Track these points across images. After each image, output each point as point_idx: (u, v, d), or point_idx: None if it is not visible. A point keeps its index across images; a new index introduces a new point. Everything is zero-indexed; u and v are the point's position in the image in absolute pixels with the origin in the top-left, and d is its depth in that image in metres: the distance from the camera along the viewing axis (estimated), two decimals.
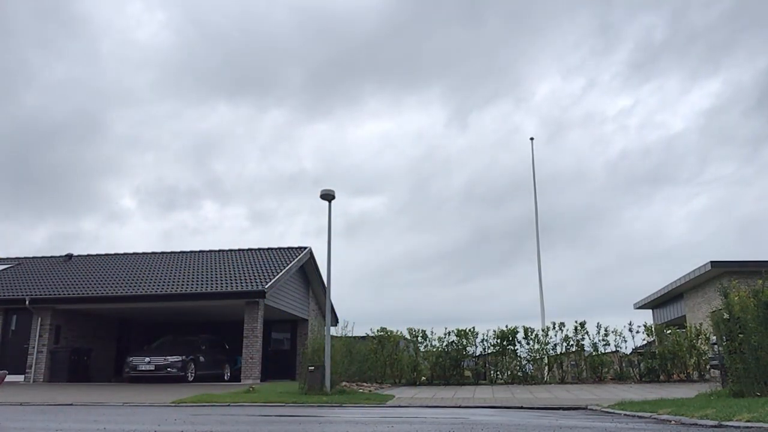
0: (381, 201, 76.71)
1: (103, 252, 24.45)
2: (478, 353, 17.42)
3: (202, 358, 18.59)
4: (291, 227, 72.51)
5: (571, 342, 16.83)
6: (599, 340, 16.67)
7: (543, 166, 58.70)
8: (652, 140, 63.52)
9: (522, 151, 64.41)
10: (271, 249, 23.23)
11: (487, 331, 17.27)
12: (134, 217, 71.53)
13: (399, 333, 17.64)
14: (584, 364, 16.64)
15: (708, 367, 14.83)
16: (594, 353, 16.56)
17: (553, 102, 66.18)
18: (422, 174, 71.97)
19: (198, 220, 72.28)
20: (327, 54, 66.79)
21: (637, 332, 16.87)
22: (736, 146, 63.28)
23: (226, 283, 18.87)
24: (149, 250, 24.34)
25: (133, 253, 24.04)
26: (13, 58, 56.07)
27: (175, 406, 9.11)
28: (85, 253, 24.45)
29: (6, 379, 15.95)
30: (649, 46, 64.49)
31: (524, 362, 17.05)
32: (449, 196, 71.17)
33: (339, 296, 47.36)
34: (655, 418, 5.59)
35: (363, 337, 17.25)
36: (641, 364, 16.45)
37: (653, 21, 66.74)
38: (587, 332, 16.80)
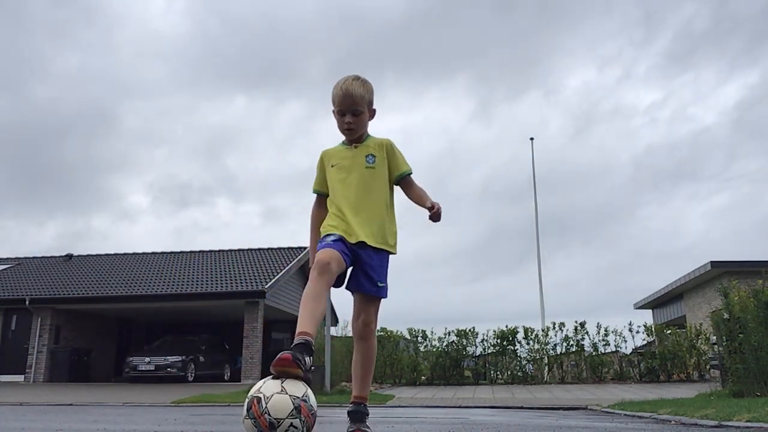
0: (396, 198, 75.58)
1: (110, 251, 24.59)
2: (478, 353, 17.45)
3: (202, 358, 18.60)
4: (303, 225, 71.31)
5: (571, 342, 16.86)
6: (599, 340, 16.72)
7: (566, 162, 55.96)
8: (681, 135, 60.13)
9: (546, 145, 60.56)
10: (272, 249, 23.27)
11: (487, 331, 17.34)
12: (145, 214, 70.79)
13: (399, 333, 17.67)
14: (584, 364, 16.66)
15: (708, 367, 14.83)
16: (594, 353, 16.58)
17: (584, 95, 62.91)
18: (441, 170, 70.00)
19: (210, 217, 71.17)
20: (348, 44, 65.81)
21: (637, 332, 16.92)
22: (766, 140, 61.34)
23: (226, 283, 18.90)
24: (157, 250, 24.44)
25: (134, 254, 24.08)
26: (25, 47, 54.84)
27: (175, 406, 9.10)
28: (86, 253, 24.51)
29: (6, 379, 15.96)
30: (689, 37, 60.92)
31: (524, 362, 17.07)
32: (467, 193, 69.15)
33: (340, 296, 47.03)
34: (655, 418, 5.58)
35: None
36: (641, 364, 16.46)
37: (696, 9, 63.44)
38: (587, 332, 16.85)
